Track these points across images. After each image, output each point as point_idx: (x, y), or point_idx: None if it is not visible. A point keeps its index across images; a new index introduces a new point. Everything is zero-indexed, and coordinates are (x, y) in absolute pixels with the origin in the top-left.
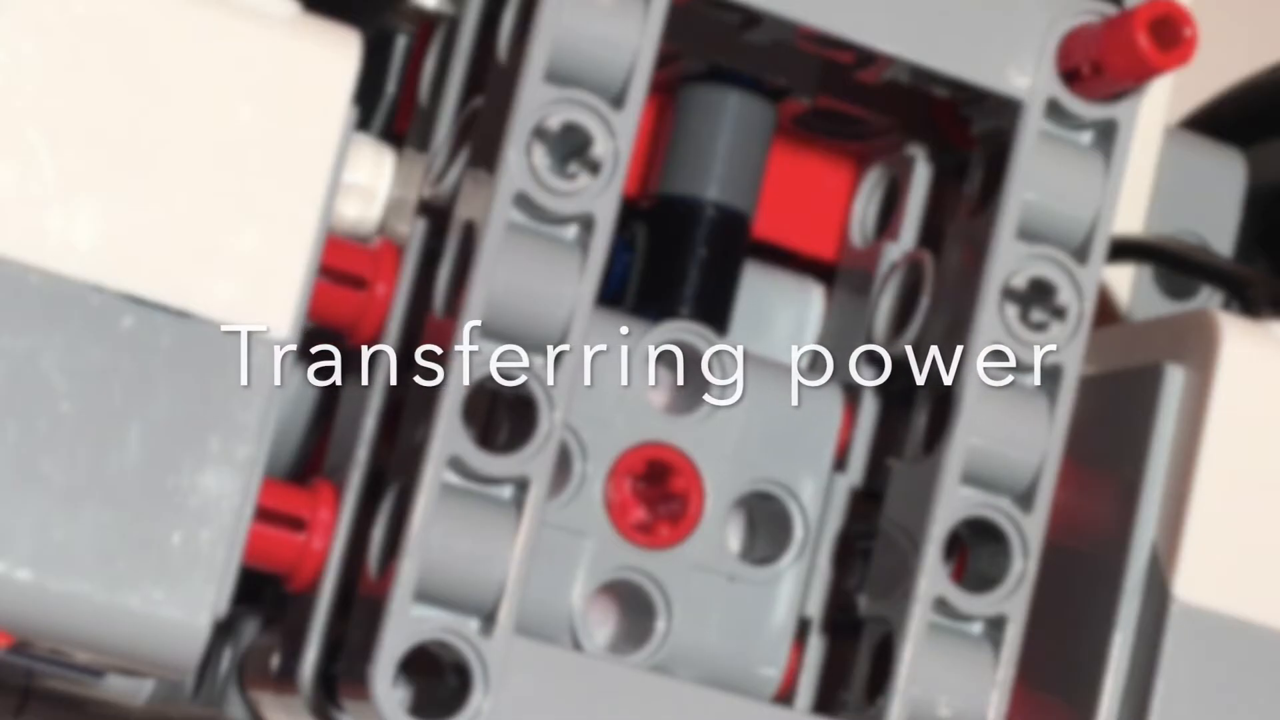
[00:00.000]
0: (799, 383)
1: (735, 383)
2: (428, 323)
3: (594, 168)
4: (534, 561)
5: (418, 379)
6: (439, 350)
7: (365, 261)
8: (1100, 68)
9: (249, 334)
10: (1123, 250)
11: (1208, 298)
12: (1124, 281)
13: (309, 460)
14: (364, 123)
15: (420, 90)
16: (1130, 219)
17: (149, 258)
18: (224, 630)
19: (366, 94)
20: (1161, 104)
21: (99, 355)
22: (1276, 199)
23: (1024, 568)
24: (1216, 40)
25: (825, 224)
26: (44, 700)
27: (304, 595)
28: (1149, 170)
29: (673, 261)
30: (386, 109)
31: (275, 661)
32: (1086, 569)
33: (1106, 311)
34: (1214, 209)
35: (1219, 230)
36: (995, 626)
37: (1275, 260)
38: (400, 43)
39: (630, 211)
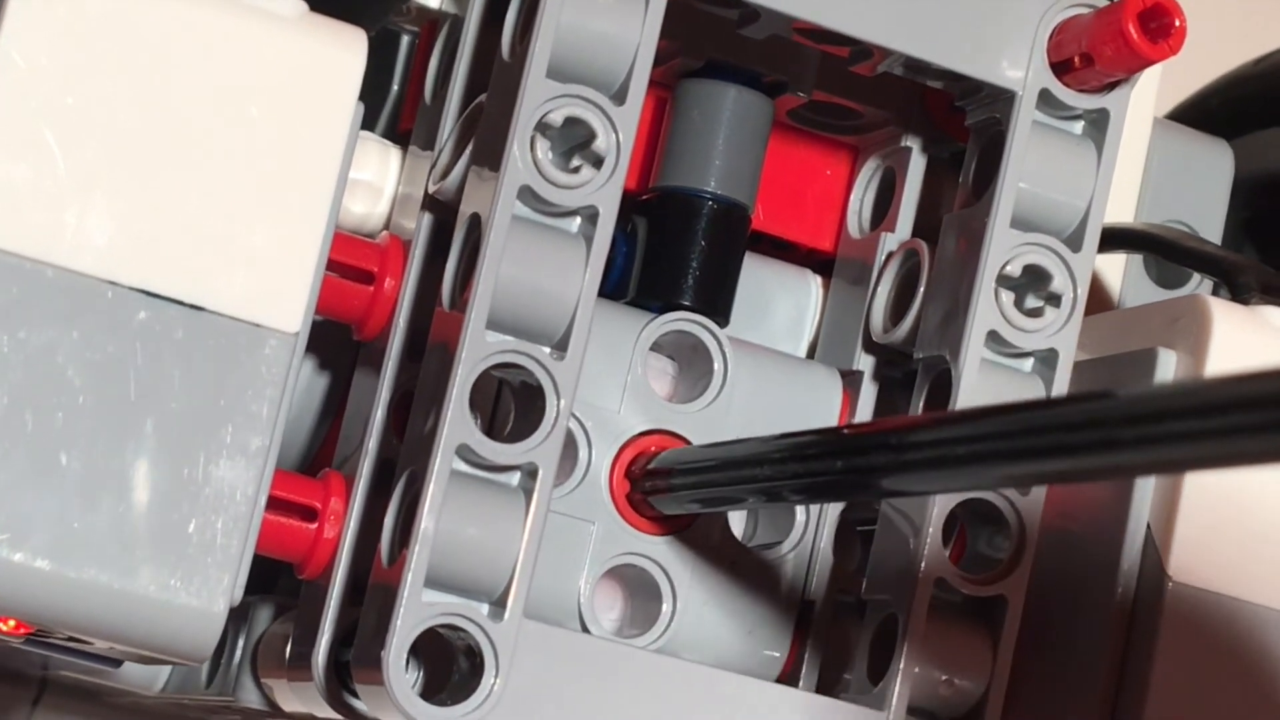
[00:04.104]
0: (798, 370)
1: (736, 371)
2: (435, 315)
3: (596, 161)
4: (541, 547)
5: (426, 370)
6: (446, 342)
7: (373, 256)
8: (1091, 59)
9: (261, 327)
10: (1114, 239)
11: (1196, 286)
12: (1115, 271)
13: (318, 453)
14: (369, 121)
15: (424, 88)
16: (1121, 209)
17: (162, 253)
18: (237, 618)
19: (371, 93)
20: (1150, 96)
21: (114, 349)
22: (1263, 188)
23: (1022, 550)
24: (1203, 33)
25: (823, 216)
26: (60, 690)
27: (316, 583)
28: (1139, 161)
29: (674, 253)
30: (391, 107)
31: (289, 649)
32: (1083, 550)
33: (1099, 301)
34: (1202, 199)
35: (1207, 219)
36: (995, 607)
37: (1262, 248)
38: (404, 42)
39: (630, 204)
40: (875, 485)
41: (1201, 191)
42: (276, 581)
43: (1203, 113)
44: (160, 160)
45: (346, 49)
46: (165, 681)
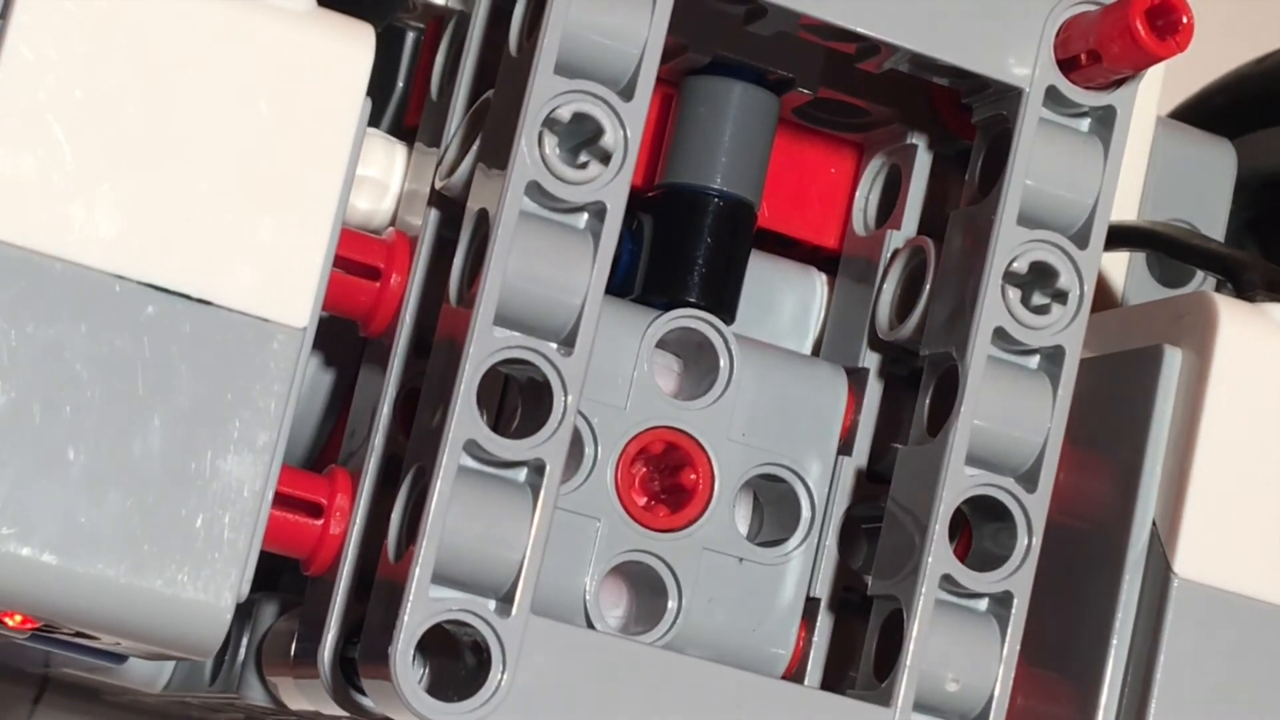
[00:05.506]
0: (804, 368)
1: (741, 368)
2: (442, 311)
3: (604, 157)
4: (548, 544)
5: (433, 366)
6: (454, 337)
7: (379, 252)
8: (1098, 56)
9: (268, 322)
10: (1118, 237)
11: (1199, 286)
12: (1119, 270)
13: (324, 449)
14: (375, 118)
15: (430, 85)
16: (1124, 208)
17: (170, 248)
18: (241, 615)
19: (377, 90)
20: (1154, 95)
21: (122, 343)
22: (1265, 187)
23: (1028, 545)
24: (1206, 32)
25: (828, 213)
26: (61, 688)
27: (322, 579)
28: (1142, 160)
29: (680, 250)
30: (396, 104)
31: (294, 645)
32: (1089, 547)
33: (1102, 300)
34: (1205, 197)
35: (1210, 218)
36: (1001, 603)
37: (1265, 246)
38: (409, 39)
39: (636, 201)
40: None
41: (1204, 190)
42: (280, 578)
43: (1205, 112)
44: (168, 154)
45: (355, 43)
46: (169, 679)
